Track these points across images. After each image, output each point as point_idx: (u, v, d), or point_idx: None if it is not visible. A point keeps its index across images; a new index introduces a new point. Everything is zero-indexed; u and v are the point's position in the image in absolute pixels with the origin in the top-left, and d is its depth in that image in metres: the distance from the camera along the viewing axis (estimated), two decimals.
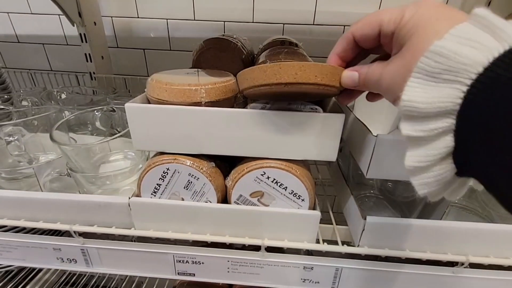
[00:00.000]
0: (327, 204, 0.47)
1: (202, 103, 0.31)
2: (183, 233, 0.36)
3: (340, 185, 0.44)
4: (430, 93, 0.16)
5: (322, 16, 0.78)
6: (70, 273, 0.72)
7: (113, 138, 0.36)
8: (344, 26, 0.79)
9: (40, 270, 0.69)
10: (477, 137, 0.14)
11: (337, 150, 0.32)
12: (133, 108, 0.31)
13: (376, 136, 0.30)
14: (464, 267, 0.35)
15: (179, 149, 0.33)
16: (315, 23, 0.79)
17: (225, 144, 0.32)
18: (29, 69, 0.92)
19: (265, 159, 0.33)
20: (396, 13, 0.20)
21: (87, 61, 0.78)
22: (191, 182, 0.34)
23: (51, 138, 0.34)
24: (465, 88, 0.14)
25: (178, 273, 0.39)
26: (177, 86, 0.31)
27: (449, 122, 0.15)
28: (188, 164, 0.33)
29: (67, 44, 0.89)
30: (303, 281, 0.38)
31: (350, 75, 0.24)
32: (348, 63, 0.26)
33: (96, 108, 0.41)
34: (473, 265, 0.35)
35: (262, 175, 0.33)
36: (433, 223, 0.33)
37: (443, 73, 0.15)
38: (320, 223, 0.35)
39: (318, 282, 0.38)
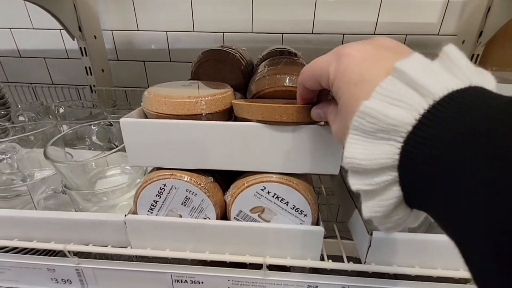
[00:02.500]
0: (330, 215, 0.46)
1: (203, 114, 0.30)
2: (181, 252, 0.35)
3: (344, 197, 0.43)
4: (370, 149, 0.16)
5: (321, 26, 0.78)
6: None
7: (108, 154, 0.35)
8: (343, 34, 0.78)
9: None
10: (419, 186, 0.15)
11: (339, 163, 0.30)
12: (128, 123, 0.30)
13: None
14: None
15: (176, 164, 0.32)
16: (314, 32, 0.79)
17: (224, 158, 0.31)
18: (31, 83, 0.92)
19: (265, 173, 0.32)
20: (325, 70, 0.20)
21: (87, 74, 0.79)
22: (189, 198, 0.33)
23: (45, 155, 0.33)
24: (399, 145, 0.15)
25: None
26: (177, 99, 0.30)
27: (393, 175, 0.16)
28: (186, 179, 0.32)
29: (68, 58, 0.89)
30: None
31: (316, 113, 0.26)
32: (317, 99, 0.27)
33: (93, 122, 0.40)
34: None
35: (262, 190, 0.32)
36: (442, 238, 0.32)
37: (377, 132, 0.16)
38: (324, 237, 0.34)
39: None
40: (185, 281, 0.37)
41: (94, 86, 0.79)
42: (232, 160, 0.31)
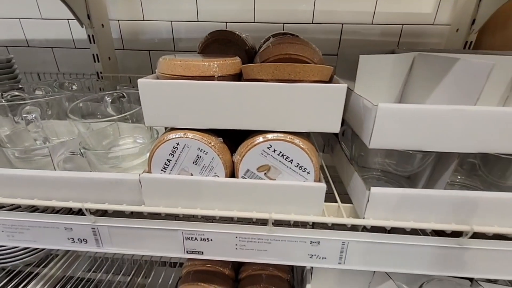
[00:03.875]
0: (331, 188, 0.48)
1: (215, 77, 0.33)
2: (192, 209, 0.37)
3: (344, 166, 0.45)
4: None
5: (320, 16, 0.81)
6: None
7: (123, 116, 0.37)
8: (342, 24, 0.82)
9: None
10: None
11: (340, 121, 0.33)
12: (146, 84, 0.33)
13: (376, 105, 0.31)
14: (469, 238, 0.35)
15: (190, 123, 0.34)
16: (313, 22, 0.82)
17: (235, 117, 0.34)
18: (38, 73, 0.95)
19: (271, 132, 0.35)
20: None
21: (95, 61, 0.81)
22: (200, 156, 0.35)
23: (68, 115, 0.35)
24: None
25: (187, 251, 0.40)
26: (192, 61, 0.33)
27: None
28: (197, 138, 0.34)
29: (75, 48, 0.92)
30: (310, 257, 0.39)
31: None
32: None
33: (107, 93, 0.43)
34: (478, 237, 0.36)
35: (268, 148, 0.35)
36: (437, 193, 0.34)
37: None
38: (325, 201, 0.36)
39: (325, 258, 0.39)
40: (195, 238, 0.39)
41: (101, 73, 0.82)
42: (242, 119, 0.34)
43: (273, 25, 0.83)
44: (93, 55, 0.81)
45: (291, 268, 0.60)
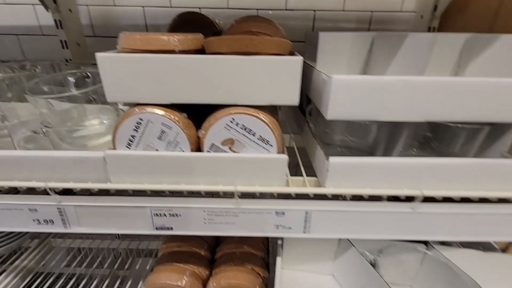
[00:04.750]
0: (301, 169, 0.50)
1: (176, 51, 0.33)
2: (158, 184, 0.38)
3: (310, 143, 0.47)
4: None
5: (294, 1, 0.82)
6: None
7: (84, 91, 0.37)
8: (314, 10, 0.83)
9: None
10: None
11: (298, 93, 0.34)
12: (104, 57, 0.33)
13: (331, 77, 0.33)
14: (420, 202, 0.38)
15: (152, 98, 0.35)
16: (287, 9, 0.83)
17: (196, 91, 0.34)
18: (2, 61, 0.90)
19: (234, 106, 0.35)
20: None
21: (63, 47, 0.78)
22: (165, 132, 0.36)
23: (27, 93, 0.35)
24: None
25: (156, 227, 0.41)
26: (152, 35, 0.33)
27: None
28: (161, 113, 0.35)
29: (43, 35, 0.88)
30: (277, 228, 0.40)
31: None
32: None
33: (69, 72, 0.42)
34: (429, 201, 0.39)
35: (231, 122, 0.35)
36: (389, 160, 0.37)
37: None
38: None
39: (290, 228, 0.40)
40: (164, 214, 0.40)
41: (70, 59, 0.79)
42: (202, 93, 0.34)
43: (246, 11, 0.83)
44: (61, 41, 0.78)
45: (266, 247, 0.62)
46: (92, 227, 0.40)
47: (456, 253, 0.44)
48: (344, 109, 0.34)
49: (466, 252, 0.44)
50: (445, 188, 0.38)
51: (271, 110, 0.40)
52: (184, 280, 0.50)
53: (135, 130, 0.36)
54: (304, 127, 0.56)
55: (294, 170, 0.43)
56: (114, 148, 0.37)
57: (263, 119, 0.35)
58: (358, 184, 0.38)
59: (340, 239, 0.48)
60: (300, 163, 0.46)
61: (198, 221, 0.40)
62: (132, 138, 0.36)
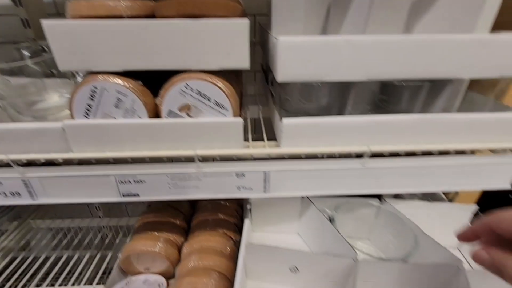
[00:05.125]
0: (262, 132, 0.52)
1: (124, 16, 0.33)
2: (119, 152, 0.39)
3: (272, 110, 0.49)
4: None
5: None
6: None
7: (35, 61, 0.37)
8: None
9: None
10: None
11: (248, 56, 0.36)
12: (52, 25, 0.33)
13: (278, 39, 0.34)
14: (369, 158, 0.41)
15: (103, 66, 0.35)
16: None
17: (143, 57, 0.35)
18: None
19: (188, 72, 0.36)
20: None
21: (25, 27, 0.76)
22: (121, 99, 0.37)
23: None
24: None
25: (123, 195, 0.42)
26: (97, 1, 0.33)
27: None
28: (115, 81, 0.35)
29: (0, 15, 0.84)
30: (239, 189, 0.43)
31: (481, 257, 0.24)
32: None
33: (24, 45, 0.42)
34: (378, 157, 0.42)
35: (186, 87, 0.37)
36: (338, 119, 0.39)
37: None
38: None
39: (251, 188, 0.43)
40: (129, 181, 0.41)
41: (34, 39, 0.77)
42: (152, 58, 0.35)
43: None
44: (22, 20, 0.75)
45: (240, 215, 0.65)
46: (60, 197, 0.42)
47: (406, 205, 0.48)
48: (292, 70, 0.36)
49: (416, 204, 0.48)
50: (391, 144, 0.40)
51: (231, 78, 0.41)
52: (158, 246, 0.52)
53: (90, 99, 0.36)
54: (268, 98, 0.58)
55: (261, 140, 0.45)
56: (73, 117, 0.37)
57: (217, 83, 0.36)
58: (311, 144, 0.40)
59: (302, 199, 0.51)
60: (263, 129, 0.47)
61: (162, 186, 0.42)
62: (89, 107, 0.37)
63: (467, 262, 0.48)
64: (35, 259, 0.72)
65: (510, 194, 1.13)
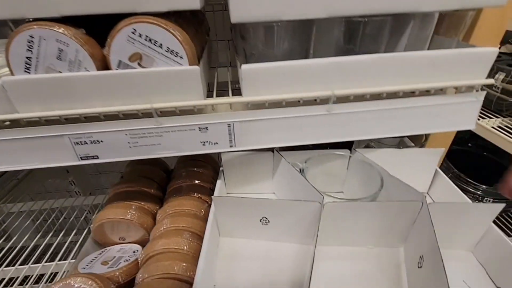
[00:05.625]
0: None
1: None
2: (70, 110, 0.36)
3: (237, 65, 0.47)
4: None
5: None
6: None
7: None
8: None
9: None
10: None
11: None
12: None
13: None
14: (334, 103, 0.40)
15: (37, 11, 0.32)
16: None
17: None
18: None
19: (134, 16, 0.34)
20: None
21: None
22: (62, 50, 0.34)
23: None
24: None
25: (81, 157, 0.40)
26: None
27: None
28: (51, 28, 0.32)
29: None
30: (203, 144, 0.41)
31: None
32: None
33: None
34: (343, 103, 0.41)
35: (133, 33, 0.34)
36: (300, 62, 0.37)
37: None
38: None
39: (217, 143, 0.42)
40: (85, 142, 0.39)
41: None
42: (94, 0, 0.32)
43: None
44: None
45: (216, 179, 0.64)
46: (12, 163, 0.39)
47: (376, 153, 0.48)
48: (246, 9, 0.33)
49: (385, 151, 0.48)
50: (355, 87, 0.39)
51: (188, 27, 0.38)
52: (130, 214, 0.51)
53: (28, 50, 0.33)
54: (235, 55, 0.55)
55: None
56: (12, 73, 0.34)
57: (167, 27, 0.34)
58: (274, 91, 0.39)
59: (274, 157, 0.50)
60: (229, 84, 0.46)
61: (122, 146, 0.40)
62: (28, 61, 0.34)
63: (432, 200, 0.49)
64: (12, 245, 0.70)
65: (469, 144, 1.17)
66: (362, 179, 0.46)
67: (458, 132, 1.30)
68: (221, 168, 0.53)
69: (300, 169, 0.46)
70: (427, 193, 0.51)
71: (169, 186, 0.61)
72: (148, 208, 0.55)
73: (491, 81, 0.40)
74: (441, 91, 0.42)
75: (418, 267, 0.35)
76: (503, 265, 0.38)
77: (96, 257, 0.50)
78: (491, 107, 0.96)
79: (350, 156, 0.48)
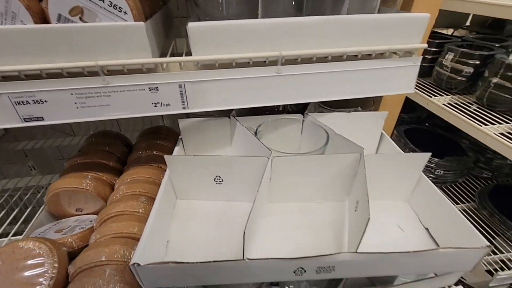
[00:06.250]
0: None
1: None
2: (7, 66, 0.35)
3: None
4: None
5: None
6: None
7: None
8: None
9: None
10: None
11: None
12: None
13: None
14: (282, 65, 0.41)
15: None
16: None
17: None
18: None
19: None
20: None
21: None
22: None
23: None
24: None
25: (24, 119, 0.39)
26: None
27: None
28: None
29: None
30: (155, 106, 0.42)
31: None
32: None
33: None
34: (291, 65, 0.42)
35: None
36: (249, 22, 0.38)
37: None
38: None
39: (169, 104, 0.42)
40: (27, 102, 0.38)
41: None
42: None
43: None
44: None
45: None
46: None
47: (327, 117, 0.51)
48: None
49: (335, 115, 0.51)
50: (303, 49, 0.41)
51: None
52: (86, 183, 0.50)
53: None
54: None
55: None
56: None
57: None
58: (223, 51, 0.39)
59: (230, 122, 0.52)
60: (184, 53, 0.46)
61: (69, 107, 0.39)
62: None
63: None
64: None
65: (427, 123, 1.26)
66: (313, 141, 0.49)
67: (416, 112, 1.36)
68: (180, 137, 0.54)
69: (254, 132, 0.47)
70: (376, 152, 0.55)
71: (129, 158, 0.60)
72: (106, 179, 0.55)
73: (424, 45, 0.43)
74: (381, 56, 0.45)
75: (355, 211, 0.38)
76: (431, 210, 0.42)
77: (50, 227, 0.49)
78: (442, 86, 1.03)
79: (303, 121, 0.50)
